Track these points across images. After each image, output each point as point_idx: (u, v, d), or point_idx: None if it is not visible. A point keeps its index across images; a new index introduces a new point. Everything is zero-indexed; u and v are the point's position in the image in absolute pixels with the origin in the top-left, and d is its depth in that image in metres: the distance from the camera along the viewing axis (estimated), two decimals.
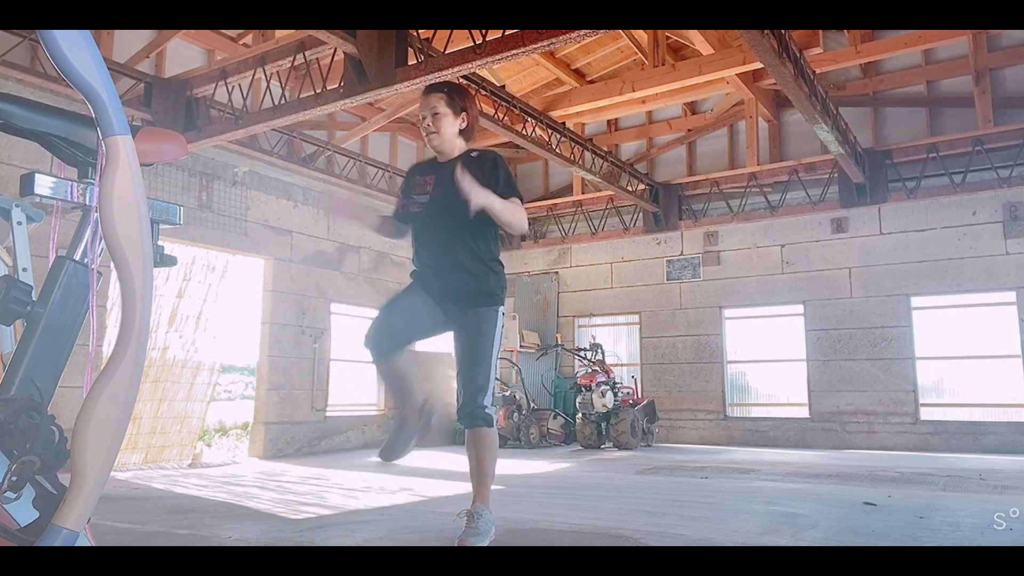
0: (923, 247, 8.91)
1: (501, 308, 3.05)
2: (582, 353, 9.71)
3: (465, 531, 2.87)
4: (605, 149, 9.35)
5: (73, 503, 1.07)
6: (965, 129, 8.69)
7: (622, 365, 10.79)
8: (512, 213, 2.89)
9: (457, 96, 3.06)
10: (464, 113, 3.04)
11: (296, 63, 6.29)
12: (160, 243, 1.53)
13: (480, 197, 2.74)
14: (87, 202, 1.36)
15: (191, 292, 7.31)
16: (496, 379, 10.15)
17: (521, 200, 2.98)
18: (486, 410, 2.93)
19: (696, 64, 8.51)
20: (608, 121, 11.32)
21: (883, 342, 9.03)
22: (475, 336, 2.98)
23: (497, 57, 5.14)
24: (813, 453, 8.33)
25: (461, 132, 3.05)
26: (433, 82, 3.23)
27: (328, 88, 6.12)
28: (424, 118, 3.04)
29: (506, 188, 2.93)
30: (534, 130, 7.89)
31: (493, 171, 2.95)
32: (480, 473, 2.97)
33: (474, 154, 3.03)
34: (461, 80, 6.06)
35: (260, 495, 4.90)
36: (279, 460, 7.78)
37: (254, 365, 8.87)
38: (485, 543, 2.85)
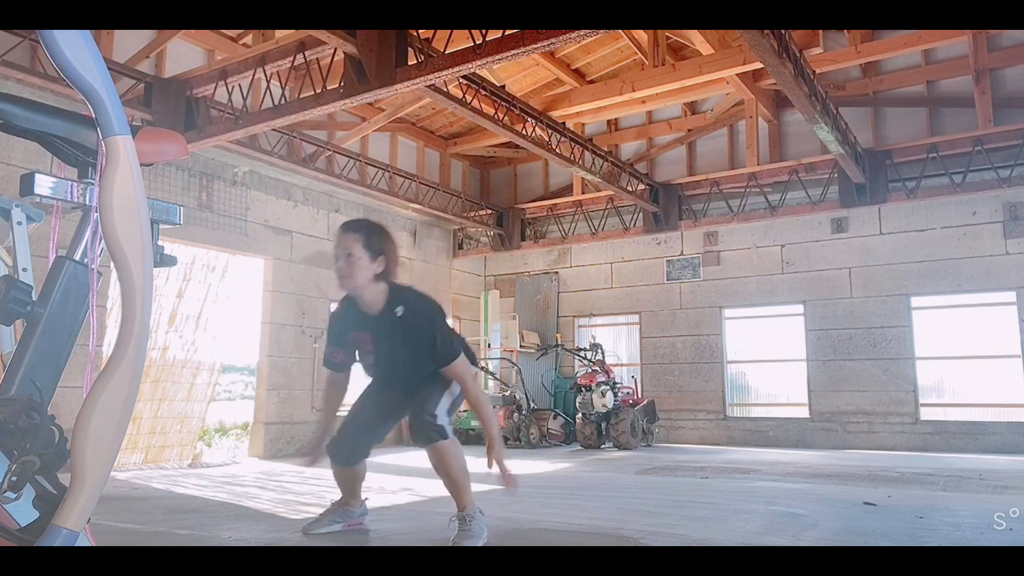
0: (923, 247, 8.91)
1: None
2: (582, 353, 9.70)
3: (458, 534, 2.87)
4: (605, 149, 9.34)
5: (73, 503, 1.07)
6: (965, 129, 8.69)
7: (622, 365, 10.79)
8: (486, 413, 3.03)
9: (375, 237, 2.94)
10: (382, 257, 2.92)
11: (296, 63, 6.28)
12: (160, 243, 1.53)
13: (507, 474, 2.93)
14: (87, 202, 1.36)
15: (191, 292, 7.31)
16: (496, 379, 10.02)
17: (461, 351, 2.98)
18: (436, 420, 2.89)
19: (696, 64, 8.51)
20: (608, 121, 11.32)
21: (883, 342, 9.03)
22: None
23: (497, 57, 5.14)
24: (813, 453, 8.33)
25: (378, 276, 2.93)
26: (350, 221, 3.15)
27: (328, 88, 6.12)
28: (337, 258, 2.94)
29: (444, 349, 2.91)
30: (534, 130, 7.89)
31: (430, 329, 2.91)
32: (454, 485, 2.98)
33: (399, 311, 2.94)
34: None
35: (260, 495, 4.90)
36: (279, 460, 7.78)
37: (254, 365, 8.86)
38: (480, 544, 2.85)
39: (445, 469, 2.94)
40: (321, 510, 3.50)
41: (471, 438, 9.81)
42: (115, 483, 5.41)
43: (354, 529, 3.36)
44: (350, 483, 3.35)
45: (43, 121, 1.30)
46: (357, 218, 3.41)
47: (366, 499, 3.49)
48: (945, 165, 8.44)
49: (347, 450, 3.20)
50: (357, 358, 3.18)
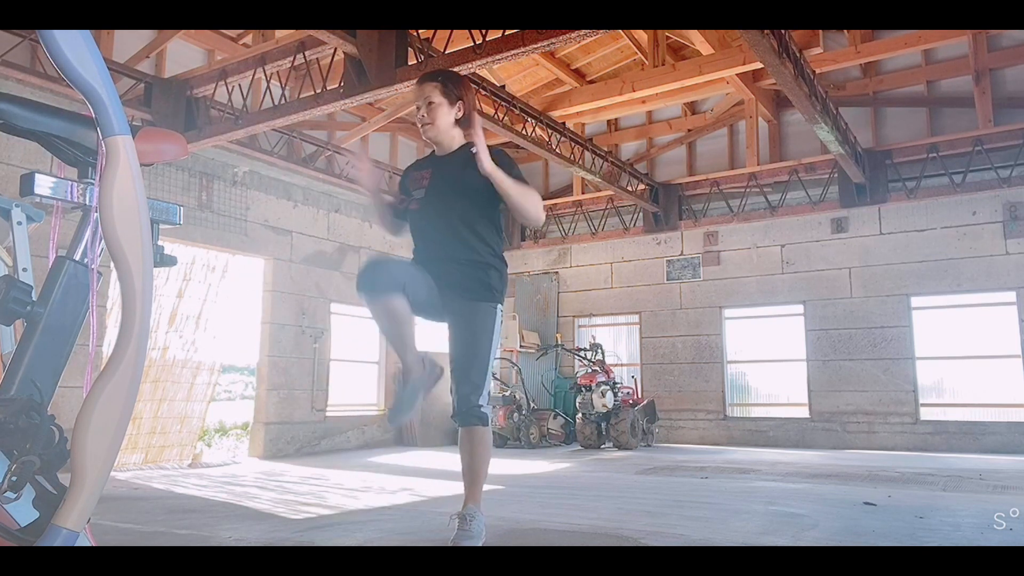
0: (923, 247, 8.90)
1: (500, 306, 2.97)
2: (582, 353, 9.71)
3: (458, 534, 2.86)
4: (605, 149, 9.34)
5: (73, 503, 1.07)
6: (965, 129, 8.69)
7: (622, 365, 10.79)
8: (526, 196, 2.78)
9: (452, 84, 2.94)
10: (460, 102, 2.92)
11: (296, 63, 6.29)
12: (160, 243, 1.53)
13: (488, 164, 2.67)
14: (87, 202, 1.36)
15: (191, 292, 7.31)
16: (496, 379, 10.02)
17: (530, 186, 2.88)
18: (481, 408, 2.90)
19: (696, 64, 8.51)
20: (608, 121, 11.32)
21: (883, 342, 9.03)
22: (471, 331, 2.92)
23: (497, 57, 5.14)
24: (813, 453, 8.33)
25: (458, 122, 2.93)
26: (428, 71, 3.10)
27: (328, 88, 6.12)
28: (419, 108, 2.93)
29: (517, 176, 2.83)
30: (534, 130, 7.89)
31: (501, 165, 2.78)
32: (473, 473, 2.94)
33: (475, 149, 2.83)
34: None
35: (260, 495, 4.90)
36: (279, 460, 7.78)
37: (254, 365, 8.87)
38: (478, 545, 2.85)
39: (472, 452, 2.93)
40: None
41: None
42: (115, 483, 5.42)
43: (433, 385, 3.09)
44: (395, 327, 2.92)
45: (43, 121, 1.30)
46: (433, 69, 3.25)
47: (424, 354, 3.04)
48: (945, 165, 8.44)
49: (371, 276, 2.82)
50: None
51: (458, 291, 2.89)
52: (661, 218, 10.24)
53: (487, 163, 2.68)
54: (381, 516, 3.85)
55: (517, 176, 2.83)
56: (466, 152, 2.86)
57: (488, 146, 2.84)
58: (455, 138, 2.96)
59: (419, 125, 2.96)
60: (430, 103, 2.90)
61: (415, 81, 3.06)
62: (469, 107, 2.95)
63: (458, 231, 2.88)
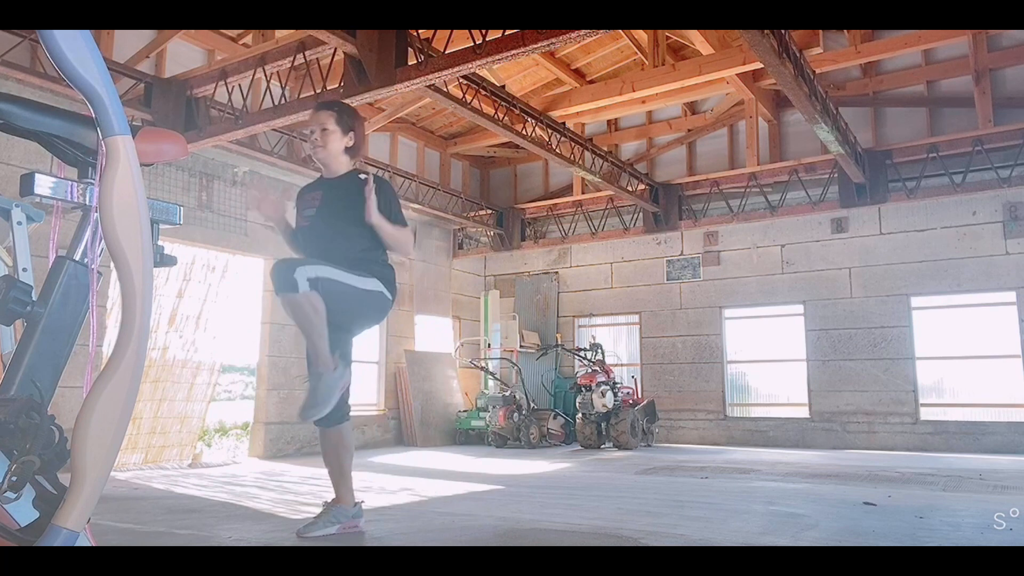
0: (923, 247, 8.91)
1: (378, 283, 3.17)
2: (582, 353, 9.71)
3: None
4: (605, 149, 9.34)
5: (73, 503, 1.07)
6: (965, 129, 8.69)
7: (622, 365, 10.79)
8: (398, 239, 3.16)
9: (346, 115, 3.29)
10: (352, 132, 3.27)
11: (296, 63, 6.28)
12: (160, 243, 1.53)
13: (375, 216, 3.04)
14: (87, 202, 1.36)
15: (191, 292, 7.31)
16: (496, 379, 10.01)
17: (406, 227, 3.22)
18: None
19: (696, 64, 8.51)
20: (608, 121, 11.32)
21: (883, 342, 9.03)
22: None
23: (497, 57, 5.14)
24: (813, 453, 8.33)
25: (347, 150, 3.28)
26: (324, 100, 3.48)
27: (328, 88, 6.12)
28: (312, 132, 3.26)
29: (397, 217, 3.18)
30: (534, 130, 7.89)
31: (384, 197, 3.14)
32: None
33: (363, 176, 3.19)
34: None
35: (260, 495, 4.90)
36: (279, 460, 7.78)
37: (254, 365, 8.86)
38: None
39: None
40: (320, 510, 3.49)
41: (471, 438, 9.82)
42: (115, 483, 5.42)
43: (349, 532, 3.35)
44: (335, 454, 3.42)
45: (43, 121, 1.30)
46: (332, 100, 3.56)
47: (361, 501, 3.47)
48: (945, 165, 8.43)
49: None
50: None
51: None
52: (661, 218, 10.23)
53: (374, 216, 3.04)
54: (381, 516, 3.85)
55: (397, 209, 3.19)
56: (353, 179, 3.22)
57: (372, 176, 3.18)
58: (343, 163, 3.31)
59: (311, 148, 3.31)
60: (324, 129, 3.24)
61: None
62: (359, 139, 3.33)
63: (339, 238, 3.18)
